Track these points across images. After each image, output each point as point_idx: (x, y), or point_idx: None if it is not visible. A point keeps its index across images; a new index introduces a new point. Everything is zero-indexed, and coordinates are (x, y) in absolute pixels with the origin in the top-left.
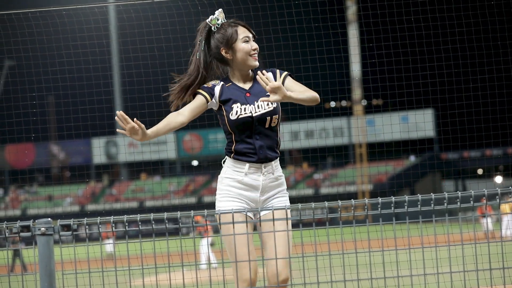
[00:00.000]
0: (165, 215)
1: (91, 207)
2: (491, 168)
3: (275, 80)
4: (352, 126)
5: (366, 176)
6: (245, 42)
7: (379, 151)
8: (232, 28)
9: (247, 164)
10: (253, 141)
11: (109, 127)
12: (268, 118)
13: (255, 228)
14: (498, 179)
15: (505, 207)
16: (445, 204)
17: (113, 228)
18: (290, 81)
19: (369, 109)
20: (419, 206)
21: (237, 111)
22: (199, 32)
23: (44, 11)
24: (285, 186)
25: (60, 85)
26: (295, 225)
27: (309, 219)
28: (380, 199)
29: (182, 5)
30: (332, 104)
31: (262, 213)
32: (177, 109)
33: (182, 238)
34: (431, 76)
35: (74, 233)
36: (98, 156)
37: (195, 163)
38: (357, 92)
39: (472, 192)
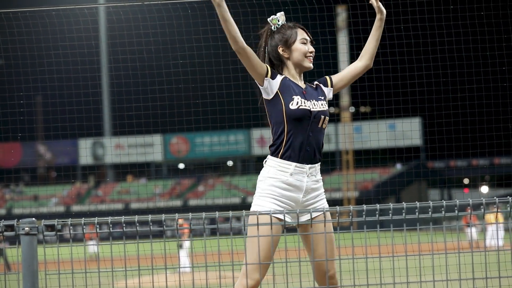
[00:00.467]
0: (150, 217)
1: (76, 208)
2: (477, 178)
3: (326, 86)
4: (340, 132)
5: (352, 183)
6: (303, 44)
7: (366, 158)
8: (292, 29)
9: (293, 164)
10: (306, 136)
11: (96, 128)
12: (322, 117)
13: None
14: (484, 189)
15: (490, 217)
16: (430, 212)
17: (97, 229)
18: (335, 76)
19: (357, 116)
20: (403, 214)
21: (297, 102)
22: (263, 36)
23: (34, 11)
24: (323, 190)
25: (48, 85)
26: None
27: (292, 225)
28: (365, 206)
29: (172, 7)
30: None
31: (313, 215)
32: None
33: (166, 241)
34: (419, 84)
35: (58, 233)
36: (85, 157)
37: (181, 166)
38: (345, 99)
39: (457, 201)
